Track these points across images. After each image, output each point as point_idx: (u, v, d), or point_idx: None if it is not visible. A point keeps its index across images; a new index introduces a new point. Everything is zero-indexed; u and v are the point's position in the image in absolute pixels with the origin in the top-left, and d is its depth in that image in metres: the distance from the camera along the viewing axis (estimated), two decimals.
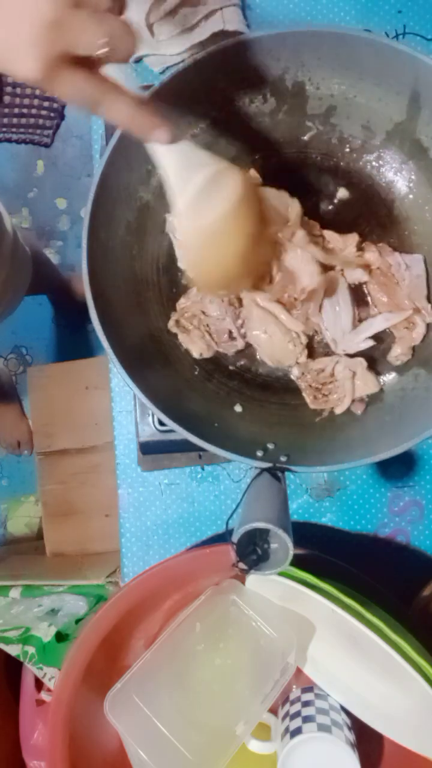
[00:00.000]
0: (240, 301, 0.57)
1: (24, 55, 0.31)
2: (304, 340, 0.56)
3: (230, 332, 0.56)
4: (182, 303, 0.57)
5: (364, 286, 0.57)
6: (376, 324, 0.56)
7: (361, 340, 0.55)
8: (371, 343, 0.56)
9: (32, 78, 0.32)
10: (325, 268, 0.54)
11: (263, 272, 0.52)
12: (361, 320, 0.57)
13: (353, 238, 0.56)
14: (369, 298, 0.57)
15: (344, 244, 0.55)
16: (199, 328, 0.56)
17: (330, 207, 0.58)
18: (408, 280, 0.55)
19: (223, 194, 0.42)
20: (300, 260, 0.53)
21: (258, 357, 0.58)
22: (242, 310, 0.57)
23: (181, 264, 0.57)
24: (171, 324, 0.57)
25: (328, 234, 0.56)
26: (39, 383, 1.20)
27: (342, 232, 0.56)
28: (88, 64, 0.34)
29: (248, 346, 0.58)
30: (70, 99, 0.35)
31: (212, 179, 0.42)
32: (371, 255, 0.55)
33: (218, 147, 0.56)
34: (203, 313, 0.56)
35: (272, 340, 0.55)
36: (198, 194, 0.42)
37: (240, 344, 0.57)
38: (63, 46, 0.32)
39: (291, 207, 0.52)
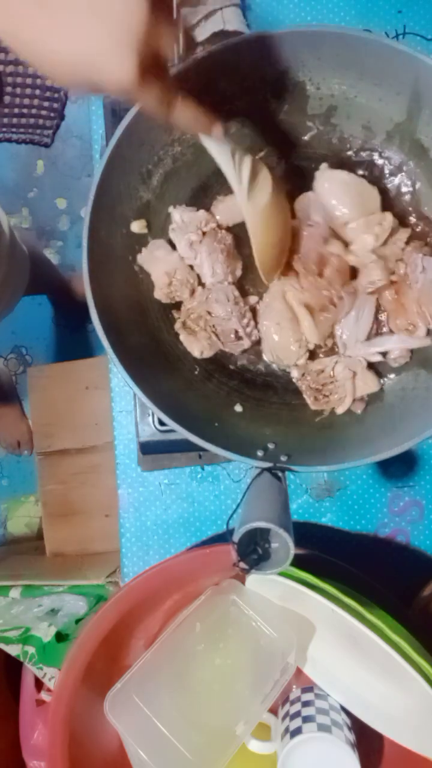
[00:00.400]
0: (246, 299, 0.57)
1: (120, 59, 0.31)
2: (311, 345, 0.56)
3: (236, 332, 0.56)
4: (188, 304, 0.57)
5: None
6: (391, 343, 0.55)
7: (372, 353, 0.55)
8: (379, 358, 0.56)
9: (125, 84, 0.32)
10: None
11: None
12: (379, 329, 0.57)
13: (406, 232, 0.56)
14: (379, 298, 0.57)
15: (398, 237, 0.56)
16: (205, 329, 0.56)
17: None
18: (421, 283, 0.54)
19: (265, 179, 0.50)
20: (375, 253, 0.54)
21: (261, 350, 0.58)
22: (265, 297, 0.57)
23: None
24: (178, 326, 0.57)
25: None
26: (39, 383, 1.20)
27: None
28: (160, 71, 0.35)
29: (252, 345, 0.58)
30: (151, 106, 0.37)
31: (253, 168, 0.49)
32: (407, 252, 0.55)
33: None
34: (209, 313, 0.56)
35: (281, 334, 0.55)
36: (249, 182, 0.49)
37: (246, 343, 0.57)
38: (153, 47, 0.32)
39: (372, 195, 0.55)
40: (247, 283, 0.59)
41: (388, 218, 0.54)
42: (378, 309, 0.57)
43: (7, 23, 0.31)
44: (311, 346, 0.56)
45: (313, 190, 0.56)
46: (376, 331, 0.57)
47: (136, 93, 0.34)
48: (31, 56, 0.32)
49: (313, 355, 0.58)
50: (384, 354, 0.56)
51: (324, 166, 0.56)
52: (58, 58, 0.31)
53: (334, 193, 0.54)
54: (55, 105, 1.43)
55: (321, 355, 0.58)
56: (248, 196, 0.50)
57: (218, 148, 0.47)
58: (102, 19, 0.30)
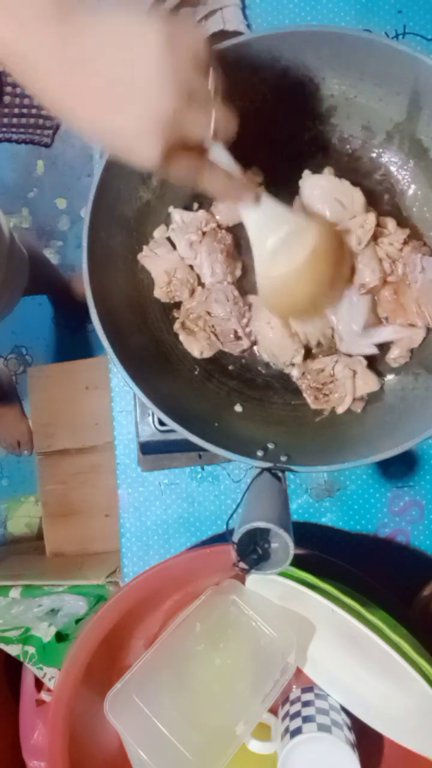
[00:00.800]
0: (245, 299, 0.57)
1: (146, 146, 0.35)
2: (304, 340, 0.56)
3: (236, 332, 0.56)
4: (187, 304, 0.57)
5: None
6: (385, 334, 0.55)
7: (367, 345, 0.55)
8: (375, 350, 0.56)
9: (150, 164, 0.36)
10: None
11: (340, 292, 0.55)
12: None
13: (404, 232, 0.55)
14: (378, 299, 0.57)
15: (395, 237, 0.55)
16: (204, 329, 0.56)
17: None
18: (420, 283, 0.54)
19: (296, 250, 0.47)
20: (364, 255, 0.54)
21: (257, 351, 0.58)
22: (254, 299, 0.57)
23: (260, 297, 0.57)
24: (177, 326, 0.57)
25: (388, 222, 0.56)
26: (39, 383, 1.20)
27: None
28: (194, 146, 0.38)
29: (251, 345, 0.58)
30: (178, 179, 0.39)
31: (290, 234, 0.47)
32: (406, 252, 0.55)
33: None
34: (208, 313, 0.56)
35: (274, 332, 0.55)
36: (276, 248, 0.47)
37: (245, 343, 0.57)
38: (179, 136, 0.35)
39: (354, 197, 0.54)
40: (246, 283, 0.59)
41: (370, 219, 0.53)
42: (374, 301, 0.57)
43: (65, 101, 0.34)
44: (304, 340, 0.56)
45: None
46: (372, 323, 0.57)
47: (160, 170, 0.37)
48: (74, 126, 0.35)
49: (311, 354, 0.58)
50: (381, 346, 0.56)
51: (306, 172, 0.56)
52: (97, 134, 0.35)
53: (316, 198, 0.54)
54: None
55: (320, 355, 0.58)
56: (268, 260, 0.48)
57: (250, 215, 0.46)
58: (135, 112, 0.34)
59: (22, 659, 0.74)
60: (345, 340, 0.56)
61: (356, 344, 0.56)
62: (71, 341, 1.46)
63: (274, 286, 0.49)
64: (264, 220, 0.46)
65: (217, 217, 0.57)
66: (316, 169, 0.57)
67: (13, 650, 0.74)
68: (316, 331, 0.56)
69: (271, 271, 0.48)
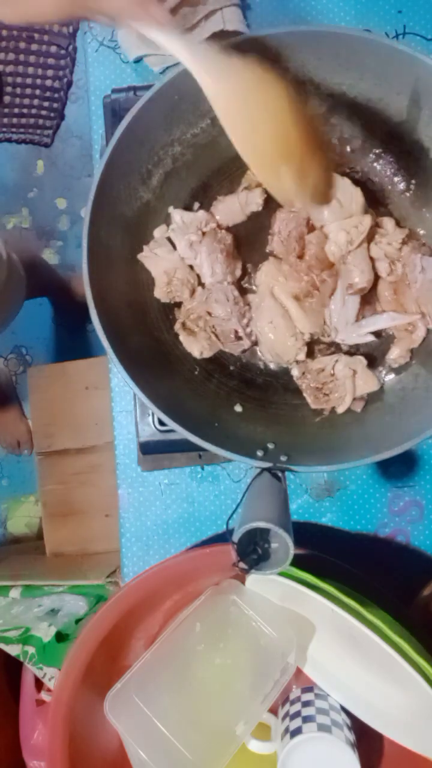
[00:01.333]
0: (245, 299, 0.57)
1: None
2: (307, 337, 0.56)
3: (236, 332, 0.56)
4: (188, 304, 0.57)
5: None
6: (381, 322, 0.55)
7: (363, 334, 0.55)
8: (371, 338, 0.56)
9: None
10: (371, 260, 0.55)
11: (321, 184, 0.51)
12: (364, 316, 0.57)
13: (403, 232, 0.55)
14: (376, 294, 0.57)
15: (393, 237, 0.55)
16: (205, 329, 0.57)
17: None
18: (420, 283, 0.54)
19: (243, 59, 0.43)
20: (355, 256, 0.54)
21: (258, 352, 0.58)
22: (253, 299, 0.57)
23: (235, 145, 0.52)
24: (177, 327, 0.57)
25: (386, 222, 0.56)
26: (39, 383, 1.20)
27: None
28: None
29: (252, 345, 0.58)
30: None
31: (223, 52, 0.43)
32: (405, 253, 0.55)
33: (219, 146, 0.56)
34: (209, 314, 0.56)
35: (276, 332, 0.55)
36: (218, 56, 0.42)
37: (246, 344, 0.57)
38: None
39: (354, 196, 0.54)
40: (246, 283, 0.59)
41: (366, 221, 0.54)
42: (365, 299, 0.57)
43: None
44: (307, 337, 0.56)
45: None
46: (363, 313, 0.57)
47: None
48: None
49: (312, 353, 0.58)
50: (381, 346, 0.56)
51: None
52: None
53: None
54: (55, 105, 1.43)
55: (320, 355, 0.58)
56: (211, 68, 0.42)
57: (173, 40, 0.41)
58: None
59: (22, 659, 0.74)
60: (341, 332, 0.56)
61: (353, 334, 0.56)
62: (71, 341, 1.46)
63: (234, 99, 0.43)
64: (190, 38, 0.42)
65: (217, 217, 0.57)
66: None
67: (13, 650, 0.74)
68: (313, 324, 0.56)
69: (228, 77, 0.43)
